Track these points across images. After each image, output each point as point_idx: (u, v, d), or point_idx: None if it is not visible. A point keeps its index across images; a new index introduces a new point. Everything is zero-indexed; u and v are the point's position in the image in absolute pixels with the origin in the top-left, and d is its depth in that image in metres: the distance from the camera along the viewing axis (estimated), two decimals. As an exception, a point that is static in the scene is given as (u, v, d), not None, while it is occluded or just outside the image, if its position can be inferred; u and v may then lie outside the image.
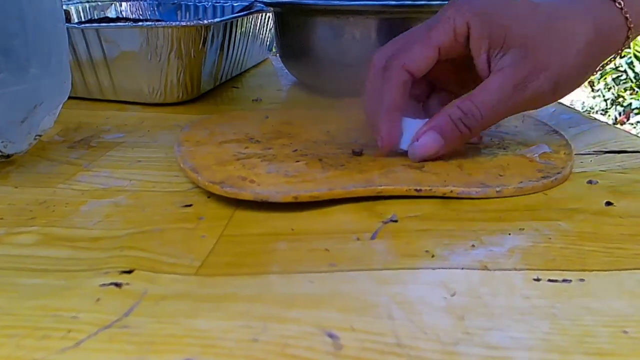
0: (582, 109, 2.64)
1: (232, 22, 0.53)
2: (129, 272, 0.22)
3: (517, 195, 0.28)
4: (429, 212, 0.27)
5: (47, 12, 0.32)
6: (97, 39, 0.46)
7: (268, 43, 0.69)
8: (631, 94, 2.64)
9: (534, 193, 0.29)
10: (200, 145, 0.34)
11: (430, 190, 0.28)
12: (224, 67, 0.55)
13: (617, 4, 0.30)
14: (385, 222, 0.26)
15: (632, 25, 0.31)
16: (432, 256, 0.23)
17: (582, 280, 0.21)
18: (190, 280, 0.21)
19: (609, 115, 2.63)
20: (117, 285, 0.21)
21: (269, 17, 0.65)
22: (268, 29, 0.67)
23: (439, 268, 0.22)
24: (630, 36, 0.31)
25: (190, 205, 0.28)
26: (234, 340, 0.18)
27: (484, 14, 0.30)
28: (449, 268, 0.22)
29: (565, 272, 0.21)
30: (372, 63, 0.33)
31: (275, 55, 0.64)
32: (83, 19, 0.64)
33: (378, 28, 0.46)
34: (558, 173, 0.30)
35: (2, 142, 0.31)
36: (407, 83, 0.31)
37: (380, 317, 0.19)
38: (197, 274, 0.22)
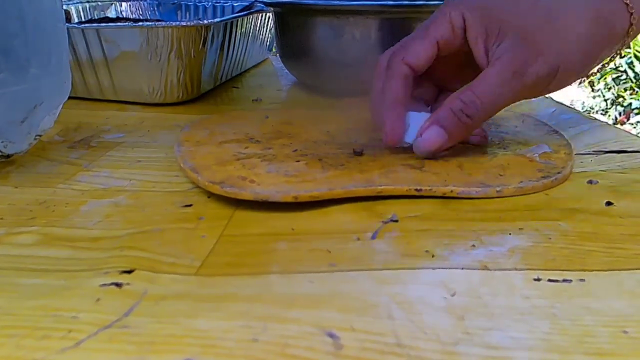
0: (582, 109, 2.65)
1: (232, 22, 0.53)
2: (129, 272, 0.22)
3: (517, 195, 0.28)
4: (429, 212, 0.27)
5: (47, 12, 0.32)
6: (97, 39, 0.46)
7: (268, 43, 0.69)
8: (631, 94, 2.64)
9: (534, 193, 0.29)
10: (200, 145, 0.34)
11: (430, 190, 0.28)
12: (224, 67, 0.55)
13: None
14: (386, 222, 0.26)
15: (633, 11, 0.30)
16: (432, 256, 0.23)
17: (582, 280, 0.21)
18: (190, 280, 0.21)
19: (609, 115, 2.63)
20: (117, 285, 0.21)
21: (269, 17, 0.65)
22: (268, 29, 0.67)
23: (439, 268, 0.22)
24: (634, 23, 0.31)
25: (190, 205, 0.28)
26: (234, 340, 0.18)
27: (480, 8, 0.31)
28: (449, 268, 0.22)
29: (565, 272, 0.21)
30: (377, 64, 0.34)
31: (275, 55, 0.64)
32: (83, 19, 0.64)
33: (378, 28, 0.46)
34: (558, 173, 0.30)
35: (2, 142, 0.31)
36: (409, 77, 0.31)
37: (380, 317, 0.19)
38: (197, 274, 0.22)
